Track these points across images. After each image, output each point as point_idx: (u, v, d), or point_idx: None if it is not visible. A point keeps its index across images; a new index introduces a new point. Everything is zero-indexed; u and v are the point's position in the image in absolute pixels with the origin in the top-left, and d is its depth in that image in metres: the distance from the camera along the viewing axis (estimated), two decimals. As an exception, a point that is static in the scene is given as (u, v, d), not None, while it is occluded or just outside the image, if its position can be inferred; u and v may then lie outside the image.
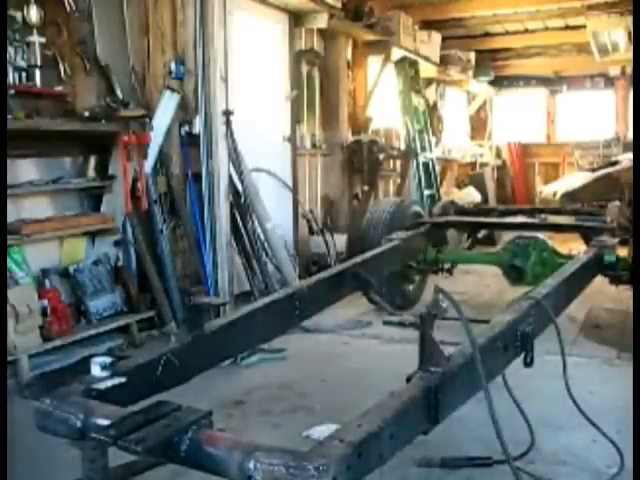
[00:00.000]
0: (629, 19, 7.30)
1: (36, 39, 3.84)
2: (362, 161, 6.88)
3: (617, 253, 3.73)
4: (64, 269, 4.07)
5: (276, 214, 5.43)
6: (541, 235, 4.63)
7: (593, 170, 8.79)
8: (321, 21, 6.05)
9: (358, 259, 3.33)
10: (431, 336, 1.79)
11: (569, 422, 2.84)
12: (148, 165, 4.36)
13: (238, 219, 4.87)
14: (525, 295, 2.61)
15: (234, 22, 5.13)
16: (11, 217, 3.60)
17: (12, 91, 3.68)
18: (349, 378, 3.51)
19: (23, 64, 3.80)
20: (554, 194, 8.27)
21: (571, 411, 2.88)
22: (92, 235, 4.26)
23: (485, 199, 8.93)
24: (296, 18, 6.04)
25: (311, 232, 6.24)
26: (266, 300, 2.56)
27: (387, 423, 1.51)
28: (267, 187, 5.53)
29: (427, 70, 8.60)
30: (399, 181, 7.84)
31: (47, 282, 3.86)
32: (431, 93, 9.23)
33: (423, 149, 7.83)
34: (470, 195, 8.65)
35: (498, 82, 11.61)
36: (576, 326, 4.40)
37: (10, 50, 3.73)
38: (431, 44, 8.59)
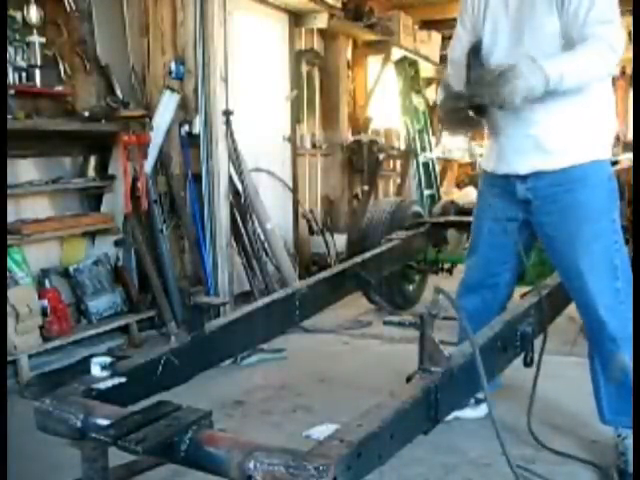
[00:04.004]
0: (629, 19, 7.29)
1: (36, 39, 3.84)
2: (362, 161, 6.87)
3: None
4: (64, 269, 4.08)
5: (276, 214, 5.43)
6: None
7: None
8: (321, 21, 6.05)
9: (358, 259, 3.33)
10: (431, 336, 1.79)
11: (569, 422, 2.84)
12: (148, 165, 4.35)
13: (238, 219, 4.86)
14: (525, 295, 2.61)
15: (234, 22, 5.12)
16: (11, 217, 3.60)
17: (12, 91, 3.67)
18: (349, 378, 3.51)
19: (23, 64, 3.79)
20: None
21: (571, 411, 2.89)
22: (92, 235, 4.26)
23: (485, 199, 8.90)
24: (296, 18, 6.03)
25: (311, 232, 6.24)
26: (266, 300, 2.55)
27: (387, 423, 1.51)
28: (267, 187, 5.53)
29: (427, 70, 8.60)
30: (399, 181, 7.84)
31: (47, 282, 3.86)
32: (431, 93, 9.22)
33: (423, 149, 7.82)
34: (470, 195, 8.62)
35: (498, 82, 11.57)
36: (576, 326, 4.39)
37: (10, 50, 3.72)
38: (431, 44, 8.59)
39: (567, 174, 2.30)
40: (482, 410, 2.78)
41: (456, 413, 2.74)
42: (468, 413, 2.81)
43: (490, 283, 2.68)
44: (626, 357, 2.30)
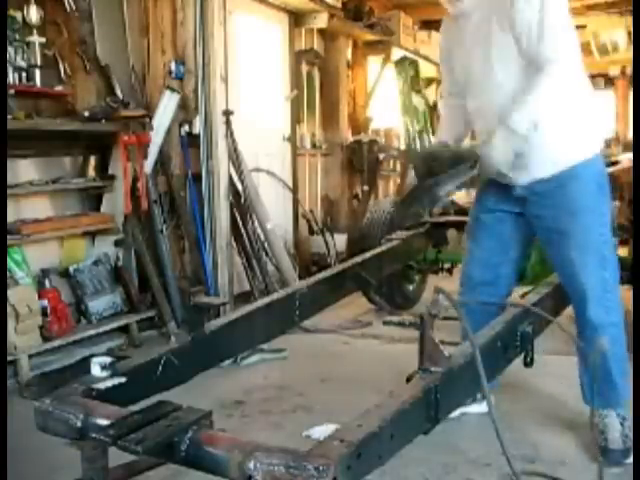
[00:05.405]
0: (629, 19, 7.28)
1: (36, 39, 3.84)
2: (362, 161, 6.88)
3: (617, 253, 3.72)
4: (64, 269, 4.07)
5: (276, 214, 5.43)
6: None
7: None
8: (321, 21, 6.05)
9: (358, 259, 3.32)
10: (431, 336, 1.79)
11: (569, 422, 2.84)
12: (148, 165, 4.35)
13: (238, 219, 4.86)
14: (525, 295, 2.61)
15: (234, 22, 5.13)
16: (11, 217, 3.60)
17: (12, 91, 3.66)
18: (349, 378, 3.51)
19: (23, 64, 3.79)
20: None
21: (571, 411, 2.89)
22: (92, 235, 4.26)
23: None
24: (296, 18, 6.04)
25: (311, 232, 6.24)
26: (266, 300, 2.55)
27: (387, 423, 1.51)
28: (267, 187, 5.53)
29: (427, 70, 8.60)
30: (399, 181, 7.83)
31: (47, 282, 3.85)
32: (431, 93, 9.22)
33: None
34: (470, 195, 8.62)
35: (498, 82, 11.56)
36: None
37: (10, 50, 3.72)
38: (431, 44, 8.58)
39: (560, 174, 2.45)
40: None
41: (462, 409, 2.75)
42: (474, 408, 2.82)
43: (490, 278, 2.71)
44: (605, 343, 2.39)
